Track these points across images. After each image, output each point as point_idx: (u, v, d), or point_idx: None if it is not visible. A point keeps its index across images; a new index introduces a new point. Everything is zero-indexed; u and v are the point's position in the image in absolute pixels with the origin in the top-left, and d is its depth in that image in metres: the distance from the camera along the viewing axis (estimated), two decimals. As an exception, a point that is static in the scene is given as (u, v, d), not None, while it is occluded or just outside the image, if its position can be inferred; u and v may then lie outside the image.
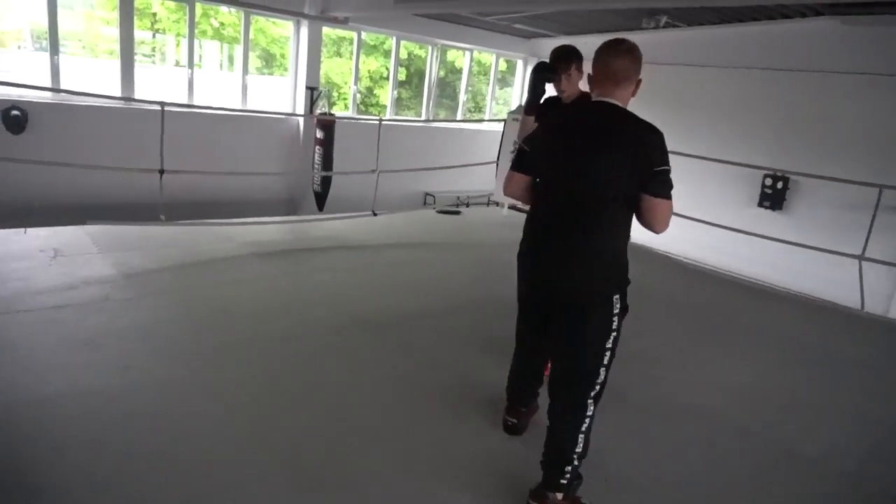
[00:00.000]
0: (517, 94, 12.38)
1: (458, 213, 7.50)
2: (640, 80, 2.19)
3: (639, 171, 2.03)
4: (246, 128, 8.64)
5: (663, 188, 2.05)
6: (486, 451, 2.61)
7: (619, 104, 2.14)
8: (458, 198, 8.39)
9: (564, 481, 2.18)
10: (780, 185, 8.62)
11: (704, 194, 8.72)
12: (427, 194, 10.79)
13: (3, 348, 2.99)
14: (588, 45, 2.83)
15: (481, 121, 12.13)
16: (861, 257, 4.87)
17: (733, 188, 8.91)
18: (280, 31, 9.50)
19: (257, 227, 5.79)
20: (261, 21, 9.17)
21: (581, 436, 2.18)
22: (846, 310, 5.12)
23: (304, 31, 9.09)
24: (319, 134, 8.77)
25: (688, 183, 8.66)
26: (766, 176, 8.64)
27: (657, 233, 2.17)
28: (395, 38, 10.38)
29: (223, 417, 2.64)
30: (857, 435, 3.13)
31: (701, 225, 6.10)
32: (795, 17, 8.06)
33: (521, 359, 2.64)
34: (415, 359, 3.41)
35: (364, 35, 10.13)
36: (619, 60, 2.13)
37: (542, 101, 3.37)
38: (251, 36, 8.91)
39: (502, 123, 7.19)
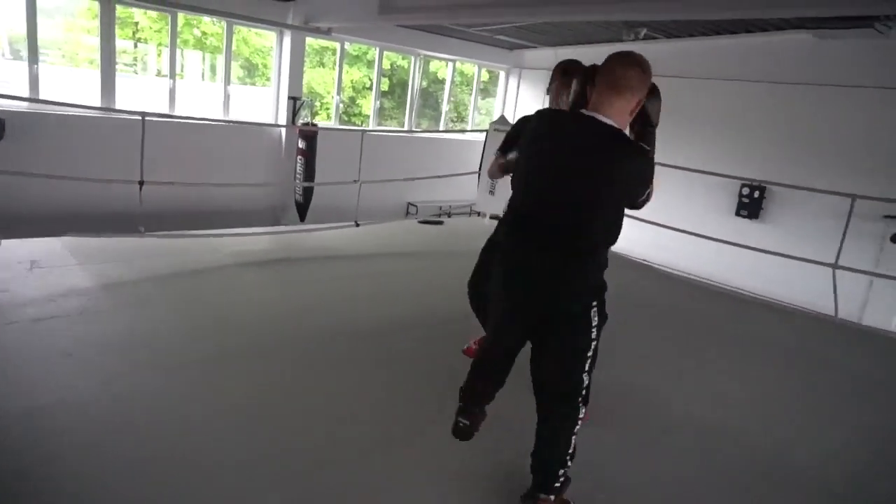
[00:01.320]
0: (499, 104, 12.48)
1: (440, 223, 7.53)
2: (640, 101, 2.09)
3: (622, 189, 2.09)
4: (228, 138, 8.60)
5: (646, 199, 2.17)
6: (474, 461, 2.61)
7: (610, 121, 2.04)
8: (441, 208, 8.43)
9: (559, 484, 2.23)
10: (756, 194, 8.79)
11: (684, 204, 8.86)
12: (410, 204, 10.82)
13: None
14: (568, 55, 2.92)
15: (464, 131, 12.21)
16: (834, 265, 4.98)
17: (712, 198, 9.06)
18: (262, 41, 9.50)
19: (240, 237, 5.76)
20: (243, 31, 9.17)
21: (573, 438, 2.21)
22: (820, 316, 5.21)
23: (287, 41, 9.11)
24: (302, 144, 8.77)
25: (669, 193, 8.83)
26: (743, 185, 8.80)
27: None
28: (378, 49, 10.43)
29: (211, 430, 2.63)
30: (850, 442, 3.19)
31: (679, 234, 6.19)
32: (772, 30, 8.26)
33: (487, 365, 2.39)
34: (404, 368, 3.42)
35: (347, 45, 10.18)
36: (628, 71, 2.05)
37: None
38: (233, 46, 8.91)
39: (484, 134, 7.26)
